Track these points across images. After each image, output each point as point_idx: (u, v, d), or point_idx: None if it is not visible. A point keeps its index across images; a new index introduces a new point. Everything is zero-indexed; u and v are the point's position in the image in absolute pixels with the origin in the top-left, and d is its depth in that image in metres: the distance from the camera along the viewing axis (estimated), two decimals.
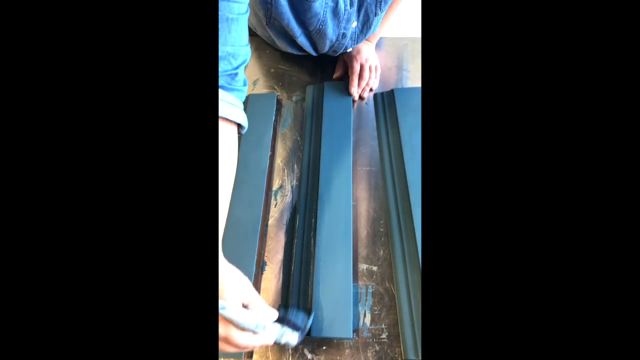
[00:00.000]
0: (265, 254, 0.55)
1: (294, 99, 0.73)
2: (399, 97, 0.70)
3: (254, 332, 0.39)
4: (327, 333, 0.46)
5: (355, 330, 0.47)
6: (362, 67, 0.73)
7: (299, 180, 0.62)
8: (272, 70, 0.78)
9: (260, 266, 0.53)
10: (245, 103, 0.69)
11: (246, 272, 0.51)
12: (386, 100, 0.71)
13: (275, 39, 0.71)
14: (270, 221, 0.58)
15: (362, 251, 0.54)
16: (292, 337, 0.43)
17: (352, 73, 0.72)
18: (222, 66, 0.46)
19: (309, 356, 0.46)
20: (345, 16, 0.63)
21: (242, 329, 0.39)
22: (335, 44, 0.70)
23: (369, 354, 0.46)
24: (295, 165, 0.64)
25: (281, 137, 0.68)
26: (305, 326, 0.45)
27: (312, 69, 0.78)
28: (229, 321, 0.38)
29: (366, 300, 0.50)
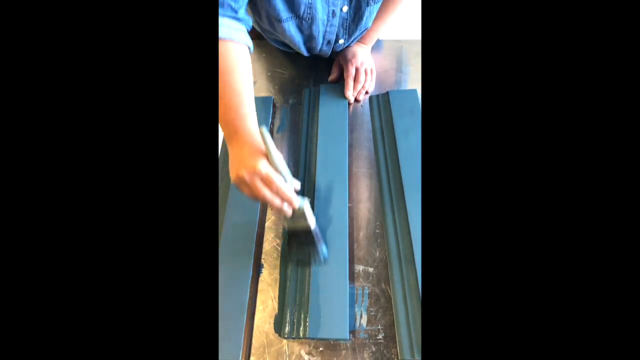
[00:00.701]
0: (262, 257, 0.55)
1: (290, 102, 0.74)
2: (394, 99, 0.70)
3: (285, 180, 0.47)
4: (323, 334, 0.46)
5: (352, 331, 0.48)
6: (357, 70, 0.73)
7: None
8: (268, 73, 0.78)
9: (257, 269, 0.54)
10: None
11: (243, 274, 0.51)
12: (381, 103, 0.72)
13: (262, 32, 0.70)
14: (267, 224, 0.58)
15: (358, 252, 0.54)
16: (311, 215, 0.49)
17: (348, 76, 0.72)
18: (222, 11, 0.52)
19: (306, 358, 0.46)
20: None
21: (277, 169, 0.46)
22: (328, 29, 0.68)
23: (366, 355, 0.46)
24: (292, 168, 0.64)
25: (277, 140, 0.68)
26: (322, 246, 0.51)
27: (308, 72, 0.78)
28: (268, 152, 0.46)
29: (362, 301, 0.50)
